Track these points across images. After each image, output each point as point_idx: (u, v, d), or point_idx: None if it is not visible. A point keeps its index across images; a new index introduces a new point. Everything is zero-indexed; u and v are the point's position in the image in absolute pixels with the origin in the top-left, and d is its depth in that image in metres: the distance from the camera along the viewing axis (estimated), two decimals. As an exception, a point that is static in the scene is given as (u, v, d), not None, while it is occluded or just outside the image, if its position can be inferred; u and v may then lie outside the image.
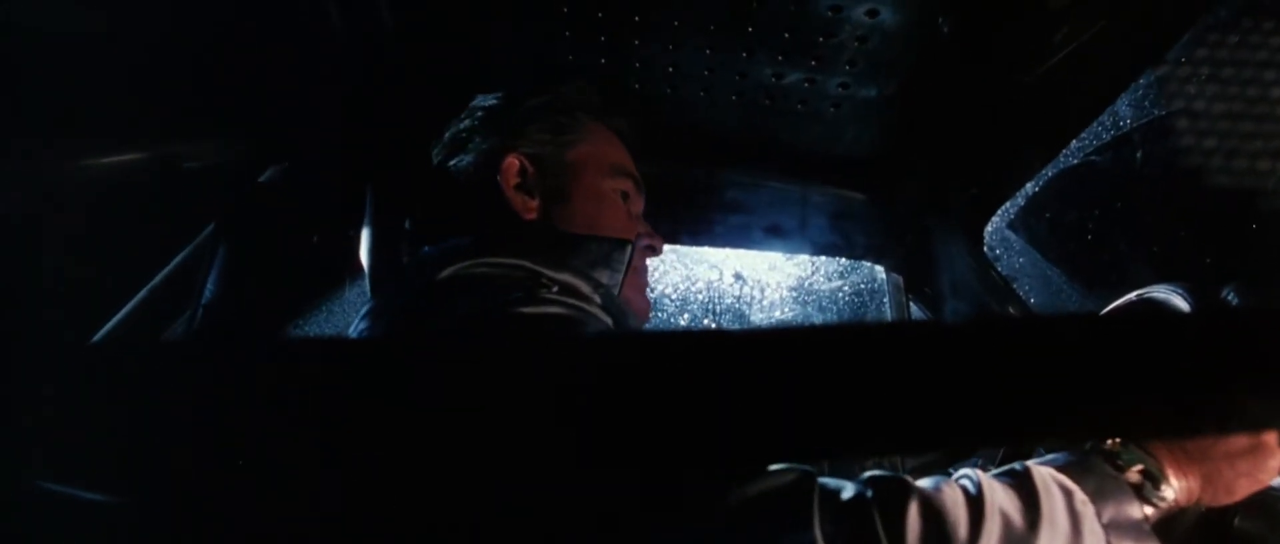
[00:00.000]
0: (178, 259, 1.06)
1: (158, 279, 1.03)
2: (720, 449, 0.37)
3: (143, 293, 1.02)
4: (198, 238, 1.07)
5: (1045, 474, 0.64)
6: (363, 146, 1.18)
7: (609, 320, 0.80)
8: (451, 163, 0.98)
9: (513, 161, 0.94)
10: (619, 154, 1.02)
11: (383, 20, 1.03)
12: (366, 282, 1.13)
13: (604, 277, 0.87)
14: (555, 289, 0.76)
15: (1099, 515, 0.62)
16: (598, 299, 0.82)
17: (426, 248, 0.95)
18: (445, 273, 0.78)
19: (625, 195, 1.00)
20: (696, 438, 0.34)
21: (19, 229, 0.81)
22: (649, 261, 1.03)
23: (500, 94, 1.02)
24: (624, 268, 0.89)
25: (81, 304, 0.94)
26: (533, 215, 0.92)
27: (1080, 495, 0.63)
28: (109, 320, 0.98)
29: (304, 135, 1.16)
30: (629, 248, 0.91)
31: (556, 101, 1.01)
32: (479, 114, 1.00)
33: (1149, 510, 0.66)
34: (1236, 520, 0.73)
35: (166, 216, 1.06)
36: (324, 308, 1.26)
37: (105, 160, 0.92)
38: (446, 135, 1.01)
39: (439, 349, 0.35)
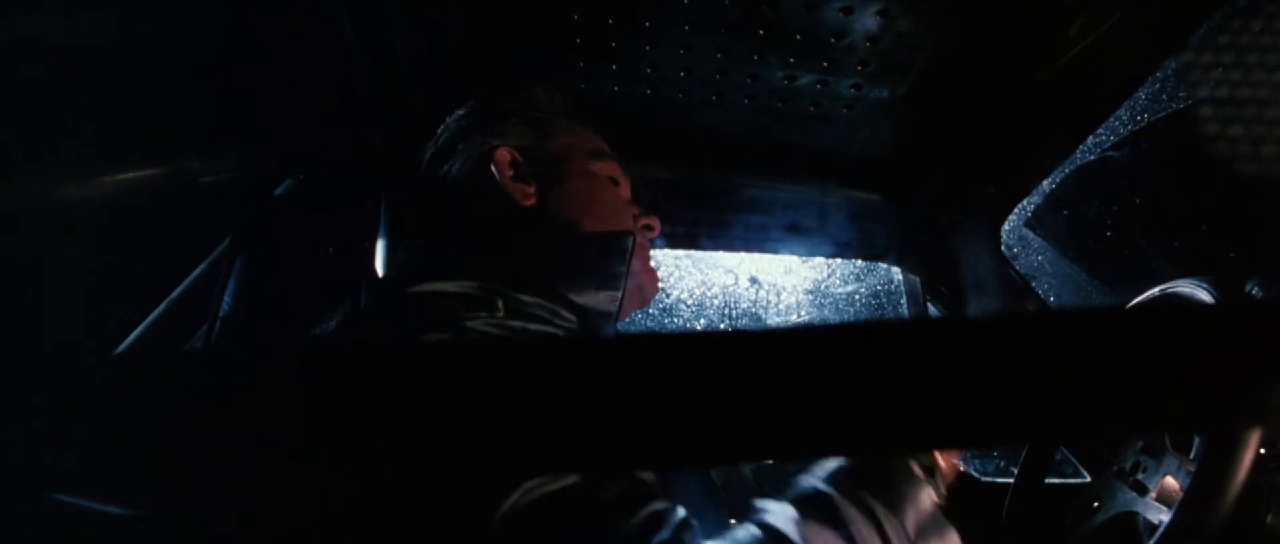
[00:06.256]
0: (196, 272, 1.07)
1: (177, 292, 1.04)
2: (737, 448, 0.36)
3: (162, 306, 1.03)
4: (215, 252, 1.08)
5: (851, 503, 0.65)
6: (376, 159, 1.19)
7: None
8: (442, 171, 0.98)
9: (504, 153, 0.95)
10: (599, 142, 1.03)
11: (395, 34, 1.04)
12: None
13: (600, 299, 0.88)
14: (500, 313, 0.74)
15: (905, 528, 0.65)
16: (571, 320, 0.81)
17: (406, 254, 0.94)
18: (417, 288, 0.76)
19: (614, 180, 1.00)
20: (716, 438, 0.34)
21: (40, 244, 0.82)
22: (653, 251, 1.06)
23: (471, 103, 1.03)
24: (625, 270, 0.90)
25: (103, 318, 0.95)
26: (532, 201, 0.93)
27: (884, 512, 0.65)
28: (130, 333, 0.99)
29: (318, 149, 1.17)
30: (630, 240, 0.92)
31: (530, 102, 1.02)
32: (457, 122, 1.01)
33: (937, 496, 0.69)
34: (1269, 518, 0.72)
35: (184, 231, 1.07)
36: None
37: (123, 176, 0.93)
38: (428, 151, 1.01)
39: (464, 352, 0.35)
